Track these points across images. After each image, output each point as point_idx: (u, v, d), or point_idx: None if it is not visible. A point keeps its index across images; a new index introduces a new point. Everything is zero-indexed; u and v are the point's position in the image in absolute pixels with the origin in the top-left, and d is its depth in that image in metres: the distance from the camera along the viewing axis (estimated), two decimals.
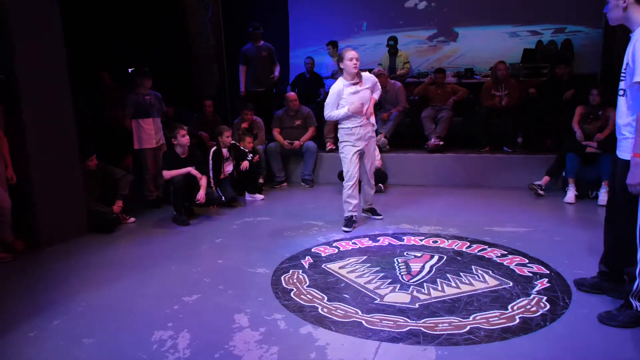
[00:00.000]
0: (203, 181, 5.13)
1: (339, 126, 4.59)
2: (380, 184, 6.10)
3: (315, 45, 9.63)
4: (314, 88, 7.84)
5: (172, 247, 4.38)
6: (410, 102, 7.12)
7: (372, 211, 5.02)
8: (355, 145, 4.54)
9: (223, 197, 5.57)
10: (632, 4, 2.57)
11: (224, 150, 5.76)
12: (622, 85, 2.71)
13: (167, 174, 5.04)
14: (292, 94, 6.79)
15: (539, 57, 7.77)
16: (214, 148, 5.70)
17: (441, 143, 6.49)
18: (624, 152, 2.71)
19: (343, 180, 6.14)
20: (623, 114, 2.71)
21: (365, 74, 4.58)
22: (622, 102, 2.72)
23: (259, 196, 6.01)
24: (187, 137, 5.13)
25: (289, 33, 9.85)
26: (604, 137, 5.29)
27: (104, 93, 6.74)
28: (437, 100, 6.84)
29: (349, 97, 4.45)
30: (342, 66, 4.46)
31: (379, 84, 4.69)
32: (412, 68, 8.20)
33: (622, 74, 2.70)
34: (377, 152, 6.18)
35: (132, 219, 5.18)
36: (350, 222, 4.67)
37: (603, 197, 5.11)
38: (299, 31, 9.88)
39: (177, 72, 7.45)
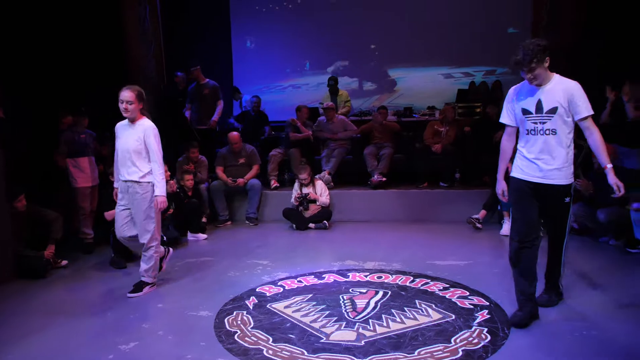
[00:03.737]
0: None
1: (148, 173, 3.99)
2: (324, 221, 6.14)
3: (260, 84, 9.75)
4: (259, 126, 7.89)
5: (108, 292, 4.17)
6: (353, 140, 7.30)
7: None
8: None
9: (165, 238, 5.40)
10: (547, 64, 3.10)
11: None
12: (548, 125, 3.14)
13: (109, 214, 4.84)
14: (234, 135, 6.75)
15: (472, 97, 8.21)
16: None
17: (384, 179, 6.65)
18: (563, 179, 3.19)
19: (288, 219, 6.19)
20: (557, 149, 3.16)
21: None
22: (552, 140, 3.15)
23: (202, 236, 5.88)
24: None
25: (233, 72, 9.92)
26: None
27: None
28: (379, 137, 7.05)
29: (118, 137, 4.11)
30: None
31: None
32: (353, 107, 8.44)
33: (546, 116, 3.14)
34: (325, 190, 6.27)
35: (64, 262, 4.90)
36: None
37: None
38: (243, 70, 9.99)
39: (117, 110, 7.26)
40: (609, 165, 3.10)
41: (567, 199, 3.24)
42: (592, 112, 3.11)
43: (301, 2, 9.84)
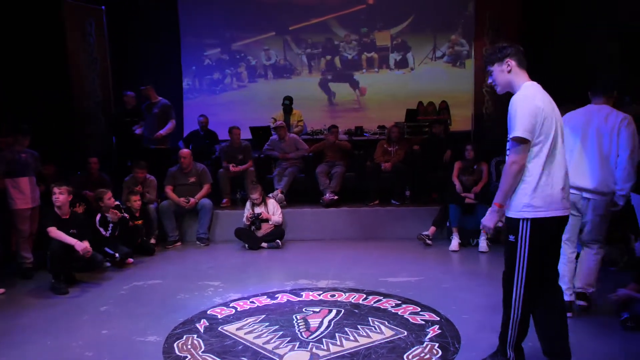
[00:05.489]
0: (85, 243, 4.74)
1: None
2: (277, 240, 6.10)
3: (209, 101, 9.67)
4: (209, 145, 7.79)
5: (48, 319, 3.94)
6: (306, 158, 7.32)
7: None
8: None
9: (117, 255, 5.23)
10: (514, 67, 2.62)
11: (109, 216, 5.43)
12: (508, 145, 2.65)
13: (54, 232, 4.61)
14: (184, 151, 6.66)
15: (421, 116, 8.43)
16: (99, 216, 5.37)
17: (336, 197, 6.69)
18: (511, 210, 2.65)
19: (240, 238, 6.10)
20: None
21: None
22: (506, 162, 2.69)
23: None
24: (60, 195, 4.74)
25: (182, 90, 9.78)
26: (480, 189, 5.86)
27: None
28: (331, 156, 7.12)
29: None
30: None
31: None
32: (306, 125, 8.48)
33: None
34: (278, 209, 6.24)
35: (1, 290, 4.62)
36: None
37: (482, 244, 5.57)
38: (192, 86, 9.90)
39: (59, 127, 6.99)
40: (494, 204, 2.63)
41: (511, 237, 2.61)
42: (520, 135, 2.49)
43: None
